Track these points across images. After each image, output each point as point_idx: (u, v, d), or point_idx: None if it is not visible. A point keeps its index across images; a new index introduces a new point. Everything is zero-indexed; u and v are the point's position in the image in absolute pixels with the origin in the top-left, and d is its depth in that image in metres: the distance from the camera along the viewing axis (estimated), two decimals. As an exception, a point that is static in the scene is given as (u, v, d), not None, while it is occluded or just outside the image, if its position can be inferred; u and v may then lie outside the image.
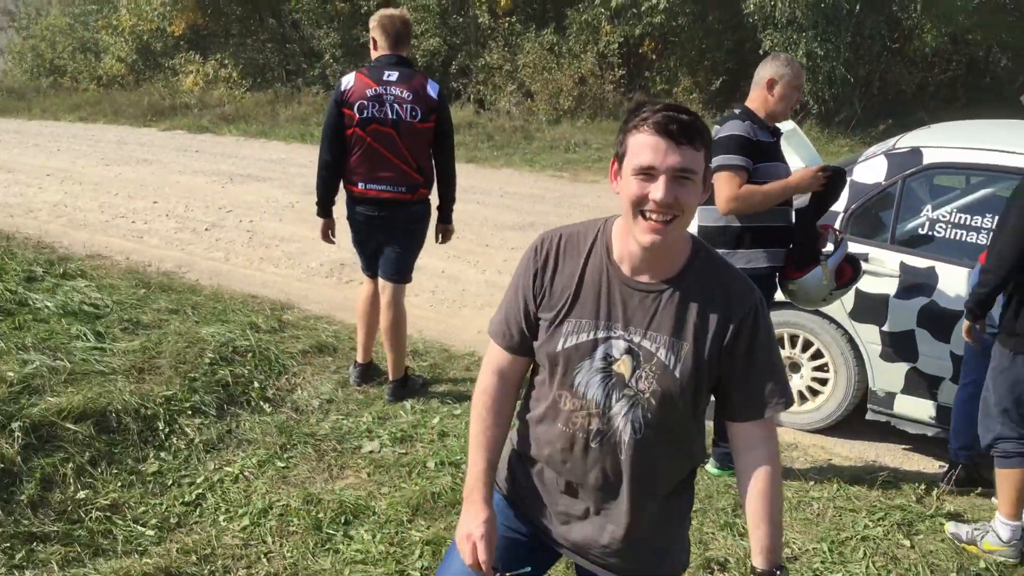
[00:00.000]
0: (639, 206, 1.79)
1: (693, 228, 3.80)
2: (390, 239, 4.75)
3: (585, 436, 1.94)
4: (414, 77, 4.58)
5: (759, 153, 3.75)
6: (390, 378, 4.94)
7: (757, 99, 3.89)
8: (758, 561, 1.87)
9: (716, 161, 3.67)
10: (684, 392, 1.88)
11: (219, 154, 13.04)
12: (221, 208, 9.65)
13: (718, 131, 3.76)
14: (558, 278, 1.96)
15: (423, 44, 16.75)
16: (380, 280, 4.86)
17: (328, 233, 4.94)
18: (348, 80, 4.59)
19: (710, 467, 4.29)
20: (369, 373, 5.08)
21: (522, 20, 17.03)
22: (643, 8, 15.04)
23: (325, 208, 4.81)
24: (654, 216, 1.77)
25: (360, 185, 4.63)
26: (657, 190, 1.75)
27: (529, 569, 2.09)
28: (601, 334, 1.91)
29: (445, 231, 4.96)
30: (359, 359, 5.07)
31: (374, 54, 4.66)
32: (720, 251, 3.67)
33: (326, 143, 4.64)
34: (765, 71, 3.88)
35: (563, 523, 2.05)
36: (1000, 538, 3.70)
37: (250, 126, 15.68)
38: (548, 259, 1.98)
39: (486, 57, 16.72)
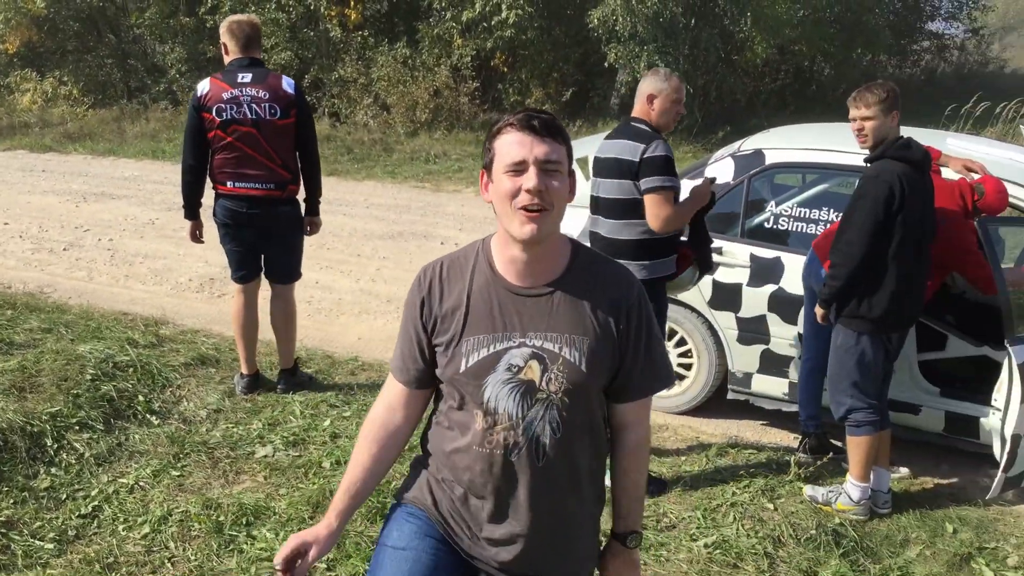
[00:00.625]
0: (513, 199, 1.87)
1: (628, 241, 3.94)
2: (268, 245, 4.87)
3: (503, 452, 1.95)
4: (269, 76, 4.69)
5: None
6: (281, 367, 5.09)
7: (641, 112, 3.96)
8: (616, 526, 2.11)
9: (655, 182, 3.75)
10: (593, 385, 1.97)
11: (68, 173, 12.57)
12: (78, 227, 9.36)
13: (645, 149, 3.79)
14: (446, 301, 2.00)
15: (274, 58, 16.51)
16: (269, 282, 4.98)
17: (196, 234, 5.03)
18: (204, 86, 4.67)
19: None
20: (256, 383, 5.13)
21: (374, 34, 17.06)
22: (493, 22, 15.32)
23: (192, 210, 4.90)
24: (528, 208, 1.85)
25: (229, 184, 4.71)
26: (529, 179, 1.84)
27: None
28: (500, 346, 1.94)
29: (312, 223, 5.05)
30: (244, 371, 5.11)
31: (227, 59, 4.75)
32: (642, 263, 3.87)
33: (188, 148, 4.72)
34: (644, 86, 3.95)
35: (491, 545, 2.05)
36: (851, 499, 4.05)
37: (96, 144, 15.11)
38: (432, 286, 2.02)
39: (340, 71, 16.66)
